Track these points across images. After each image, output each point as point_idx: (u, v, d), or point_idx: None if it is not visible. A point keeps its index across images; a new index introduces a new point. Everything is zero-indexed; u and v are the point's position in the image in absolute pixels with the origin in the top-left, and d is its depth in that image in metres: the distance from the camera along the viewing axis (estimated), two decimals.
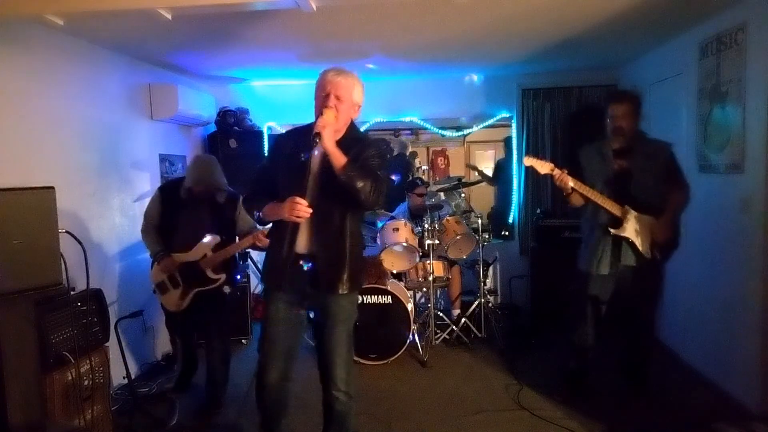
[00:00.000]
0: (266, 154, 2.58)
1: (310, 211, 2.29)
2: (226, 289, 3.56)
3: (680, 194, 3.27)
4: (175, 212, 3.49)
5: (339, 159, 2.29)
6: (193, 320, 3.64)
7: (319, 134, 2.25)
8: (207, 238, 3.42)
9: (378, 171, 2.37)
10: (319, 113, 2.34)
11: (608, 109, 3.28)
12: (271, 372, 2.50)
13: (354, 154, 2.33)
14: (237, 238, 3.55)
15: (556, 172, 3.11)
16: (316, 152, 2.36)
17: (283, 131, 2.85)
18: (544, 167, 3.13)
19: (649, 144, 3.32)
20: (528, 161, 3.19)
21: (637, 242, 3.20)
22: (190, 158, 5.09)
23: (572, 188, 3.13)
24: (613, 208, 3.18)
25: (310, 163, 2.35)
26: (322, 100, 2.35)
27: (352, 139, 2.44)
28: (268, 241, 3.25)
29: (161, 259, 3.46)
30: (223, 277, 3.48)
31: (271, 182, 2.49)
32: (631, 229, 3.19)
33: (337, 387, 2.51)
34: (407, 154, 7.97)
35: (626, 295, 3.35)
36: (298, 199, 2.27)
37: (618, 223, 3.19)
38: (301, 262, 2.42)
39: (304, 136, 2.39)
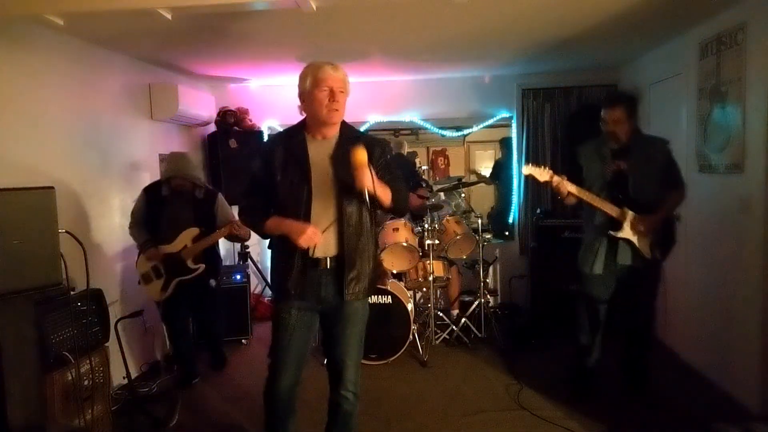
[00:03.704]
0: (258, 164, 2.45)
1: (321, 235, 2.27)
2: (212, 282, 3.91)
3: (677, 193, 3.30)
4: (157, 208, 3.77)
5: (386, 195, 2.26)
6: (182, 310, 3.94)
7: (371, 190, 2.16)
8: (187, 230, 3.71)
9: (399, 179, 2.38)
10: (320, 111, 2.27)
11: (602, 115, 3.30)
12: (284, 378, 2.46)
13: (370, 158, 2.26)
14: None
15: (555, 179, 3.12)
16: (319, 153, 2.34)
17: (270, 138, 2.77)
18: (543, 175, 3.13)
19: (647, 143, 3.33)
20: (527, 170, 3.18)
21: (637, 242, 3.21)
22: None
23: (569, 193, 3.14)
24: (612, 211, 3.20)
25: (309, 166, 2.32)
26: (327, 95, 2.26)
27: (351, 137, 2.38)
28: (245, 230, 3.60)
29: (148, 248, 3.74)
30: (202, 266, 3.77)
31: (266, 192, 2.40)
32: (630, 230, 3.21)
33: (346, 388, 2.50)
34: (403, 153, 7.96)
35: (625, 294, 3.36)
36: (317, 231, 2.25)
37: (617, 224, 3.21)
38: (319, 267, 2.37)
39: (293, 139, 2.39)
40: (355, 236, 2.37)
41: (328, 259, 2.37)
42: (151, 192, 3.84)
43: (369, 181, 2.17)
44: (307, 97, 2.34)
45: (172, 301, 3.79)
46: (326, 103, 2.27)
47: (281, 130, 2.54)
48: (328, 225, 2.32)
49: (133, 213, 3.84)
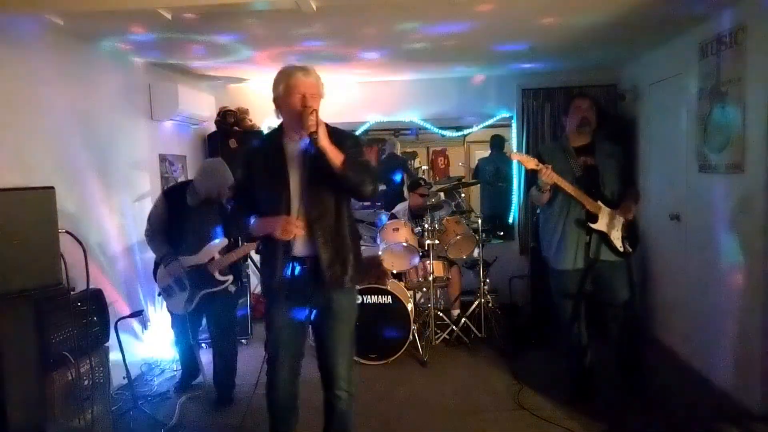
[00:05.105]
0: (240, 171, 2.56)
1: (302, 227, 2.31)
2: (232, 288, 3.62)
3: (635, 191, 3.48)
4: (181, 217, 3.50)
5: (337, 156, 2.27)
6: (200, 321, 3.70)
7: (315, 133, 2.23)
8: (215, 241, 3.47)
9: (368, 163, 2.42)
10: (297, 114, 2.31)
11: (573, 105, 3.43)
12: (281, 371, 2.50)
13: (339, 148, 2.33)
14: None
15: (541, 167, 3.18)
16: (296, 153, 2.39)
17: (250, 144, 2.80)
18: (529, 162, 3.20)
19: (607, 143, 3.47)
20: (515, 156, 3.35)
21: (611, 236, 3.30)
22: (189, 158, 5.10)
23: (551, 185, 3.22)
24: (589, 204, 3.27)
25: (286, 167, 2.37)
26: (300, 100, 2.31)
27: (329, 134, 2.41)
28: None
29: (169, 263, 3.48)
30: (230, 278, 3.55)
31: (250, 197, 2.47)
32: (605, 224, 3.29)
33: (339, 387, 2.51)
34: (397, 153, 7.95)
35: (603, 289, 3.42)
36: (292, 219, 2.29)
37: (594, 217, 3.29)
38: (301, 265, 2.40)
39: (271, 143, 2.46)
40: (334, 230, 2.41)
41: (309, 257, 2.41)
42: (172, 197, 3.56)
43: (314, 123, 2.22)
44: (281, 103, 2.41)
45: (194, 313, 3.58)
46: (299, 109, 2.31)
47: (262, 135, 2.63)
48: (306, 222, 2.35)
49: (150, 219, 3.58)
